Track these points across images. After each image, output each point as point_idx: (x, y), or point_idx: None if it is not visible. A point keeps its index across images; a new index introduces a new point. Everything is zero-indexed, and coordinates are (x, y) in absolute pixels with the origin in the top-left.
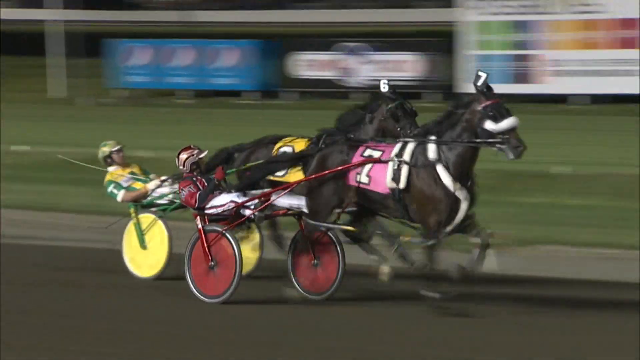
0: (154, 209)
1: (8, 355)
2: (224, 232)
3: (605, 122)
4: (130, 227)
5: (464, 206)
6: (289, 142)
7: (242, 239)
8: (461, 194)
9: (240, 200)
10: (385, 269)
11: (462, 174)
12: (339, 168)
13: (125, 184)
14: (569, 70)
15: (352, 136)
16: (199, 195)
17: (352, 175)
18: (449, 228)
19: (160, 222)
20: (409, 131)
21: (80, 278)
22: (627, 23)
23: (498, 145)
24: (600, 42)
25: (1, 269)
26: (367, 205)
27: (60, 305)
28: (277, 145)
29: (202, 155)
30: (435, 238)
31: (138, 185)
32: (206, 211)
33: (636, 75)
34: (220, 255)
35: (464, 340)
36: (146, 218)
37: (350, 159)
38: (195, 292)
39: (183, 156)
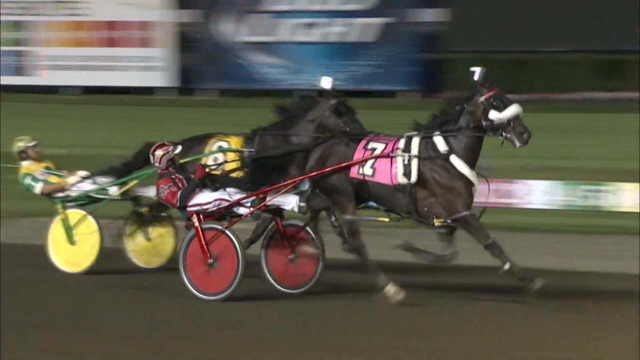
0: (70, 203)
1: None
2: (224, 229)
3: (94, 110)
4: (57, 223)
5: (475, 189)
6: (223, 138)
7: (162, 232)
8: (474, 179)
9: (232, 198)
10: (391, 289)
11: (471, 163)
12: (347, 163)
13: (41, 177)
14: (61, 64)
15: (288, 133)
16: (181, 194)
17: (354, 167)
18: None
19: (89, 218)
20: (349, 128)
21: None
22: (111, 25)
23: (504, 134)
24: (89, 40)
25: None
26: (370, 199)
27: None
28: (210, 141)
29: (177, 152)
30: (467, 212)
31: (54, 179)
32: (188, 209)
33: (121, 70)
34: (220, 253)
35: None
36: (75, 214)
37: (352, 153)
38: (193, 290)
39: (159, 153)
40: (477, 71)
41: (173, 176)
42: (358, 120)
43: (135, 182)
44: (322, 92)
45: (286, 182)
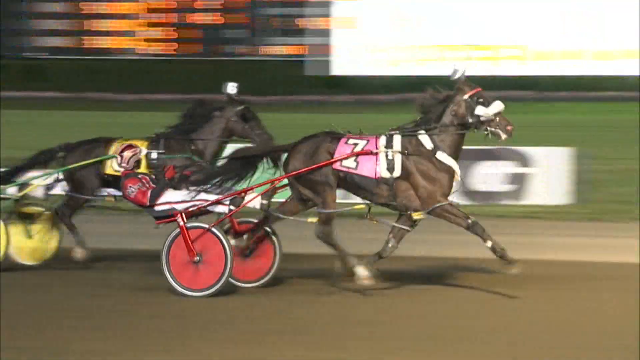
0: None
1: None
2: (210, 228)
3: None
4: None
5: (457, 179)
6: (126, 142)
7: (43, 229)
8: (457, 170)
9: (212, 197)
10: (361, 272)
11: (455, 159)
12: (331, 160)
13: None
14: None
15: (192, 136)
16: (152, 193)
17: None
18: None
19: None
20: (257, 132)
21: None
22: None
23: (489, 128)
24: None
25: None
26: (351, 190)
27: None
28: (114, 146)
29: (144, 153)
30: (446, 201)
31: None
32: (155, 208)
33: None
34: (206, 250)
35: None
36: None
37: (334, 148)
38: (177, 286)
39: (127, 154)
40: (459, 70)
41: (139, 176)
42: (263, 125)
43: (39, 183)
44: (228, 98)
45: (271, 180)
